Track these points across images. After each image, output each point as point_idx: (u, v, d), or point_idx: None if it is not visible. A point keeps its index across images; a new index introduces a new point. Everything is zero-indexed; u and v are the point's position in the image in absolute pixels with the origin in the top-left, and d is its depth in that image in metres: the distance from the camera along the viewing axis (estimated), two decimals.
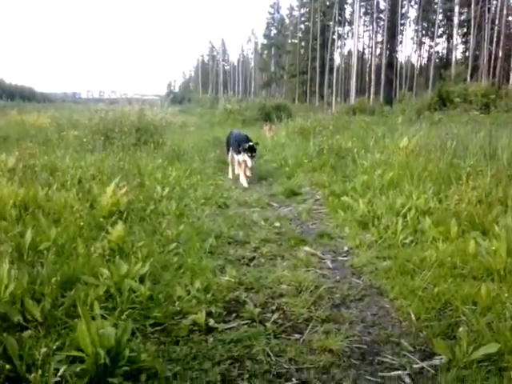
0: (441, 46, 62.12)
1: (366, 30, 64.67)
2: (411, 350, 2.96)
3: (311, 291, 3.73)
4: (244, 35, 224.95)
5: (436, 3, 54.07)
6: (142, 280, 3.62)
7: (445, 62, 55.86)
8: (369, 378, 2.67)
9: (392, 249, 4.76)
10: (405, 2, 56.50)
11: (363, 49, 66.74)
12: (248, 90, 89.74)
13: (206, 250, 4.62)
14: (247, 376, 2.63)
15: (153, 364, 2.57)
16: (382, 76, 45.99)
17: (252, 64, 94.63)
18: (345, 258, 4.74)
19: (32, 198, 5.45)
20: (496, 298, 3.40)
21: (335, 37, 59.53)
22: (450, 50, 57.50)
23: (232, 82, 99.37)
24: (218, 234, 5.16)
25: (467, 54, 49.52)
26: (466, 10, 49.76)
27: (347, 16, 60.58)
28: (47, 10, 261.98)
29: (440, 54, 61.50)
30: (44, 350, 2.42)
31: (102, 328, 2.54)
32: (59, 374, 2.31)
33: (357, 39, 55.58)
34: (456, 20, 50.37)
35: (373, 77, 49.69)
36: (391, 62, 47.42)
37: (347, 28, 61.99)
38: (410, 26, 62.21)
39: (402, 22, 57.61)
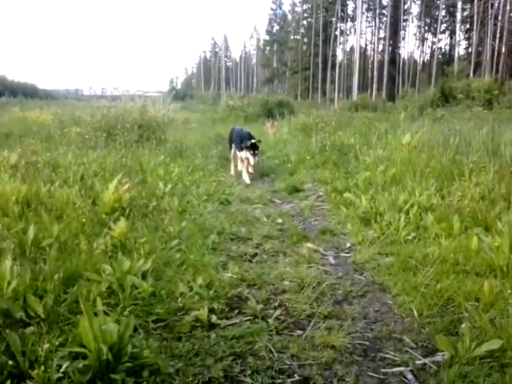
0: (444, 41, 61.95)
1: (369, 26, 64.52)
2: (413, 346, 2.96)
3: (313, 287, 3.73)
4: (246, 31, 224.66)
5: None
6: (144, 276, 3.62)
7: (448, 58, 55.63)
8: (371, 374, 2.67)
9: (394, 245, 4.75)
10: None
11: (365, 45, 66.57)
12: (250, 87, 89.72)
13: (209, 246, 4.62)
14: (249, 372, 2.63)
15: (155, 360, 2.57)
16: (385, 72, 45.92)
17: (254, 60, 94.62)
18: (347, 255, 4.74)
19: (34, 195, 5.45)
20: (499, 294, 3.39)
21: (337, 33, 59.33)
22: (452, 46, 57.33)
23: (234, 79, 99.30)
24: (220, 231, 5.16)
25: (470, 49, 49.34)
26: (468, 5, 49.52)
27: (350, 12, 60.41)
28: (50, 6, 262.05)
29: (443, 50, 61.35)
30: (47, 346, 2.44)
31: (104, 324, 2.54)
32: (62, 369, 2.32)
33: (359, 35, 55.33)
34: (459, 16, 50.21)
35: (375, 73, 49.48)
36: (394, 58, 47.38)
37: (349, 24, 61.87)
38: (412, 21, 62.13)
39: (405, 17, 57.51)
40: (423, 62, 63.88)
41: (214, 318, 3.20)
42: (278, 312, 3.37)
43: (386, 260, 4.41)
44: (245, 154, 9.00)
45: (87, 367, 2.38)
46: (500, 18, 42.18)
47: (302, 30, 65.04)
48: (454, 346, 2.75)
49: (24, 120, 17.53)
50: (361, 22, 56.52)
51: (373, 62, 55.40)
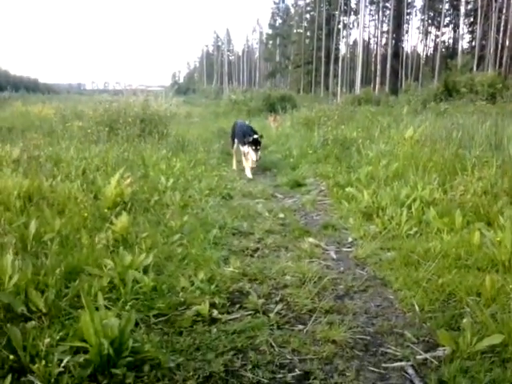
0: (447, 35, 61.86)
1: (372, 20, 64.28)
2: (415, 341, 2.95)
3: (315, 282, 3.73)
4: (249, 25, 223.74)
5: None
6: (145, 271, 3.63)
7: (451, 52, 55.43)
8: (372, 368, 2.67)
9: (396, 240, 4.75)
10: None
11: (369, 38, 66.41)
12: (253, 81, 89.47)
13: (210, 241, 4.62)
14: (250, 367, 2.63)
15: (156, 355, 2.58)
16: (388, 66, 45.81)
17: (257, 54, 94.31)
18: (349, 249, 4.74)
19: (36, 189, 5.47)
20: (500, 289, 3.38)
21: (341, 26, 59.10)
22: (456, 40, 57.07)
23: (237, 73, 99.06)
24: (222, 225, 5.16)
25: (474, 43, 49.12)
26: None
27: (353, 5, 60.07)
28: (53, 0, 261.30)
29: (446, 44, 61.10)
30: (48, 340, 2.44)
31: (105, 319, 2.55)
32: (63, 364, 2.32)
33: (362, 29, 55.17)
34: (462, 9, 50.00)
35: (378, 67, 49.41)
36: (397, 52, 47.21)
37: (353, 17, 61.53)
38: (416, 15, 61.92)
39: (408, 11, 57.23)
40: (426, 55, 63.75)
41: (215, 313, 3.20)
42: (280, 306, 3.37)
43: (388, 255, 4.40)
44: (247, 148, 9.00)
45: (88, 362, 2.39)
46: (504, 11, 41.96)
47: (305, 24, 64.80)
48: (455, 340, 2.75)
49: (26, 114, 17.54)
50: (364, 16, 56.41)
51: (376, 55, 55.27)
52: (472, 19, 51.45)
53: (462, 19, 50.50)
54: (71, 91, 72.78)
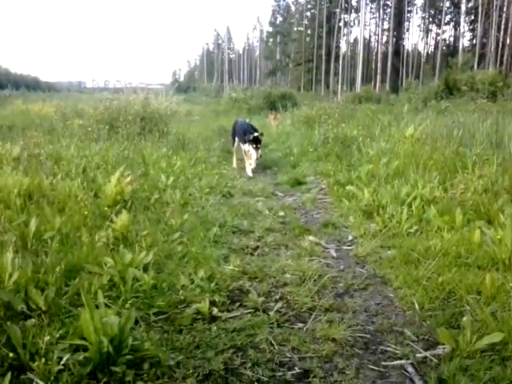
0: (448, 33, 61.71)
1: (373, 18, 64.13)
2: (414, 339, 2.95)
3: (315, 280, 3.73)
4: (249, 23, 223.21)
5: None
6: (145, 269, 3.63)
7: (452, 50, 55.35)
8: (372, 367, 2.67)
9: (396, 238, 4.74)
10: None
11: (369, 36, 66.30)
12: (253, 79, 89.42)
13: (210, 239, 4.62)
14: (250, 365, 2.63)
15: (156, 352, 2.58)
16: (389, 64, 45.75)
17: (257, 52, 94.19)
18: (349, 248, 4.73)
19: (36, 187, 5.47)
20: (501, 287, 3.38)
21: (341, 24, 58.99)
22: (457, 38, 57.00)
23: (237, 71, 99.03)
24: (222, 224, 5.16)
25: (474, 41, 49.02)
26: None
27: (353, 3, 59.93)
28: None
29: (447, 42, 61.06)
30: (47, 338, 2.44)
31: (105, 316, 2.55)
32: (62, 362, 2.32)
33: (363, 26, 55.11)
34: (463, 7, 49.92)
35: (379, 65, 49.32)
36: (398, 50, 47.15)
37: (353, 15, 61.43)
38: (416, 13, 61.79)
39: (409, 9, 57.16)
40: (427, 53, 63.65)
41: (215, 311, 3.20)
42: (279, 305, 3.37)
43: (388, 253, 4.40)
44: (248, 147, 9.00)
45: (88, 359, 2.39)
46: (505, 9, 41.86)
47: (306, 22, 64.74)
48: (455, 339, 2.75)
49: (27, 112, 17.54)
50: (365, 13, 56.39)
51: (377, 53, 55.16)
52: (473, 17, 51.35)
53: (462, 17, 50.41)
54: (72, 89, 72.64)
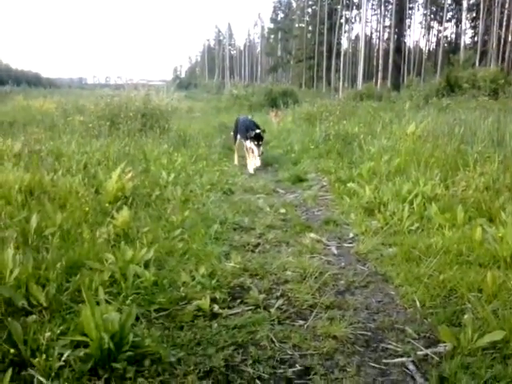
0: (449, 30, 61.42)
1: (374, 14, 63.85)
2: (416, 336, 2.95)
3: (316, 278, 3.72)
4: (250, 19, 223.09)
5: None
6: (146, 265, 3.63)
7: (453, 47, 55.16)
8: (373, 364, 2.67)
9: (398, 235, 4.74)
10: None
11: (371, 33, 66.04)
12: (254, 75, 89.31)
13: (211, 236, 4.62)
14: (251, 362, 2.63)
15: (157, 349, 2.58)
16: (390, 61, 45.65)
17: (258, 49, 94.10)
18: (350, 245, 4.73)
19: (37, 183, 5.47)
20: (502, 285, 3.38)
21: (343, 21, 58.86)
22: (458, 35, 56.89)
23: (238, 67, 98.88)
24: (223, 220, 5.15)
25: (476, 38, 48.90)
26: None
27: (355, 0, 59.79)
28: None
29: (448, 39, 60.91)
30: (48, 334, 2.44)
31: (106, 313, 2.55)
32: (63, 358, 2.32)
33: (364, 23, 54.92)
34: (465, 4, 49.80)
35: (380, 62, 49.17)
36: (399, 47, 47.06)
37: (355, 12, 61.19)
38: (418, 10, 61.49)
39: (411, 5, 57.02)
40: (429, 50, 63.43)
41: (216, 308, 3.20)
42: (280, 302, 3.37)
43: (389, 250, 4.40)
44: (249, 143, 8.99)
45: (88, 356, 2.39)
46: (507, 5, 41.71)
47: (307, 18, 64.53)
48: (456, 336, 2.75)
49: (28, 109, 17.54)
50: (366, 10, 56.17)
51: (378, 50, 54.94)
52: (474, 14, 51.19)
53: (464, 14, 50.28)
54: (73, 85, 72.79)
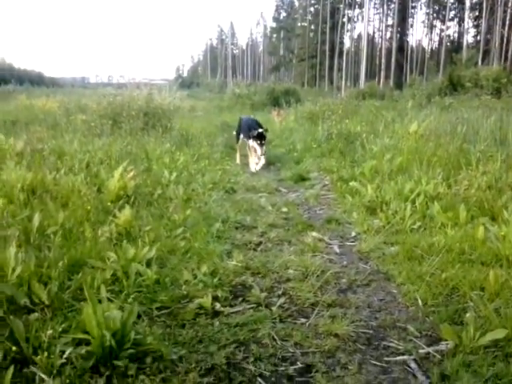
0: (452, 29, 61.40)
1: (377, 13, 63.85)
2: (417, 335, 2.95)
3: (318, 276, 3.72)
4: (253, 18, 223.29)
5: None
6: (148, 264, 3.63)
7: (456, 46, 55.16)
8: (374, 362, 2.67)
9: (400, 234, 4.73)
10: None
11: (373, 32, 65.97)
12: (257, 74, 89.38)
13: (213, 234, 4.62)
14: (252, 359, 2.63)
15: (158, 347, 2.58)
16: (393, 60, 45.56)
17: (261, 48, 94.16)
18: (352, 244, 4.72)
19: (40, 182, 5.47)
20: (504, 283, 3.37)
21: (345, 20, 58.87)
22: (461, 34, 56.85)
23: (241, 66, 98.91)
24: (225, 219, 5.15)
25: (479, 37, 48.83)
26: None
27: None
28: None
29: (451, 38, 60.83)
30: (50, 332, 2.44)
31: (108, 311, 2.55)
32: (65, 355, 2.33)
33: (367, 22, 54.76)
34: (468, 3, 49.71)
35: (383, 61, 49.08)
36: (402, 46, 46.94)
37: (357, 11, 61.25)
38: (421, 8, 61.56)
39: (413, 4, 56.98)
40: (431, 49, 63.39)
41: (217, 306, 3.20)
42: (282, 300, 3.37)
43: (391, 249, 4.39)
44: (252, 142, 9.00)
45: (90, 353, 2.40)
46: (510, 4, 41.61)
47: (309, 17, 64.55)
48: (458, 335, 2.74)
49: (30, 108, 17.54)
50: (369, 9, 56.02)
51: (380, 49, 55.05)
52: (477, 13, 51.13)
53: (467, 13, 50.23)
54: (75, 85, 72.78)
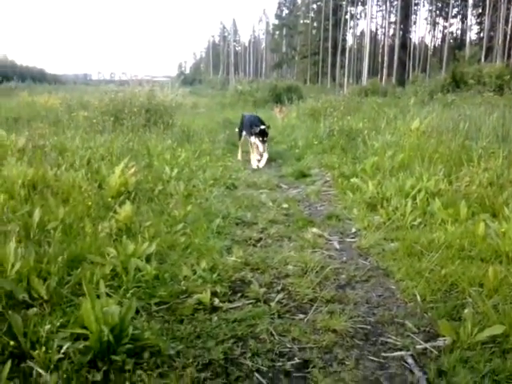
0: (455, 26, 61.17)
1: (379, 10, 63.62)
2: (415, 331, 2.94)
3: (317, 272, 3.72)
4: (255, 15, 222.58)
5: None
6: (148, 259, 3.64)
7: (459, 43, 54.90)
8: (371, 357, 2.67)
9: (400, 230, 4.72)
10: None
11: (376, 29, 65.85)
12: (259, 71, 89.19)
13: (213, 230, 4.62)
14: (250, 355, 2.63)
15: (156, 342, 2.58)
16: (395, 57, 45.50)
17: (263, 45, 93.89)
18: (352, 240, 4.72)
19: (41, 178, 5.48)
20: (503, 280, 3.36)
21: (348, 17, 58.70)
22: (464, 31, 56.62)
23: (243, 63, 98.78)
24: (225, 215, 5.15)
25: (482, 34, 48.64)
26: None
27: None
28: None
29: (454, 35, 60.58)
30: (48, 327, 2.45)
31: (106, 306, 2.56)
32: (63, 350, 2.33)
33: (370, 19, 54.82)
34: (471, 0, 49.37)
35: (386, 58, 49.04)
36: (404, 43, 46.87)
37: (360, 8, 61.05)
38: (423, 5, 61.25)
39: (416, 1, 56.76)
40: (434, 46, 63.24)
41: (216, 301, 3.20)
42: (281, 296, 3.37)
43: (391, 245, 4.39)
44: (254, 139, 9.00)
45: (88, 348, 2.40)
46: None
47: (312, 14, 64.40)
48: (456, 331, 2.74)
49: (32, 104, 17.57)
50: (371, 6, 56.08)
51: (383, 46, 54.85)
52: (480, 10, 50.91)
53: (470, 10, 50.04)
54: (77, 81, 72.63)
